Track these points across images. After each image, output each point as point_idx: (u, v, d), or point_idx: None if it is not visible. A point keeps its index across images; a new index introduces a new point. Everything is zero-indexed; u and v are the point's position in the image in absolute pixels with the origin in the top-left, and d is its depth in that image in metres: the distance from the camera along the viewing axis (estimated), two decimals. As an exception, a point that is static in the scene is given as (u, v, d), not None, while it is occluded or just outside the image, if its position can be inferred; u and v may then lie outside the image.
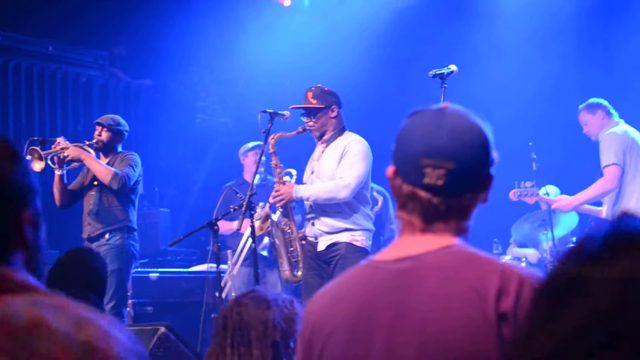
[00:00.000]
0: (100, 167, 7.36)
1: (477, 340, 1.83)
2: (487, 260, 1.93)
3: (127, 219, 7.50)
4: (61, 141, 7.50)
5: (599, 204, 7.87)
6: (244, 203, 6.10)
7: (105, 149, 7.62)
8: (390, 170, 2.00)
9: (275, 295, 3.28)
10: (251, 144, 9.08)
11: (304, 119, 6.52)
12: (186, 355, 5.14)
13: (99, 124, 7.66)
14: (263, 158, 7.75)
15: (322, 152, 6.55)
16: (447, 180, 1.91)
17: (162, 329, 5.08)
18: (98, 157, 7.63)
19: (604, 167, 7.36)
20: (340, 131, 6.54)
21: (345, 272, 2.11)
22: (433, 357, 1.85)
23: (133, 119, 11.84)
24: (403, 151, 1.97)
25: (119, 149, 7.69)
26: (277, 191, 6.51)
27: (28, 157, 7.32)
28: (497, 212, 9.60)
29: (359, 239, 6.43)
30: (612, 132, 7.45)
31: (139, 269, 8.99)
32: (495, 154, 2.00)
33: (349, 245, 6.38)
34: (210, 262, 6.68)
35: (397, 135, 2.01)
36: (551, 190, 8.73)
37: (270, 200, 6.59)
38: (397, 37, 10.71)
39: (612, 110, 7.62)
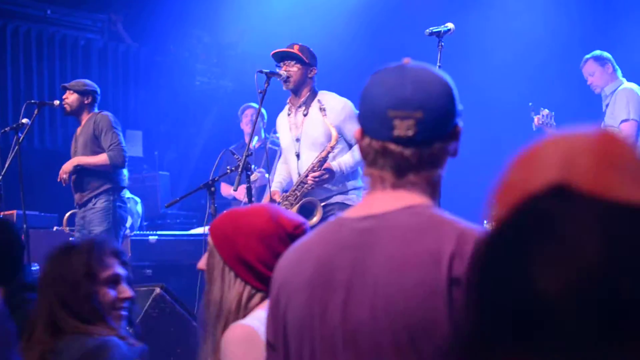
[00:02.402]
0: (95, 161, 7.46)
1: (427, 306, 1.77)
2: (449, 222, 1.87)
3: (110, 181, 7.50)
4: (57, 103, 7.56)
5: None
6: (240, 164, 6.06)
7: (77, 113, 7.63)
8: (357, 131, 1.97)
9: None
10: (243, 106, 9.12)
11: (282, 68, 6.46)
12: (182, 316, 5.12)
13: (64, 87, 7.69)
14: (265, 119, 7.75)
15: (305, 116, 6.50)
16: (417, 130, 1.87)
17: (158, 290, 5.06)
18: (74, 122, 7.71)
19: (623, 121, 7.28)
20: (313, 93, 6.51)
21: (315, 228, 2.08)
22: (383, 320, 1.80)
23: (132, 82, 11.82)
24: (368, 108, 1.93)
25: (95, 110, 7.68)
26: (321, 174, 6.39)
27: (25, 121, 7.32)
28: (496, 174, 9.62)
29: (351, 197, 6.46)
30: (630, 89, 7.38)
31: (138, 232, 8.98)
32: (460, 106, 1.96)
33: (342, 205, 6.40)
34: (208, 224, 6.65)
35: (361, 95, 1.97)
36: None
37: (310, 179, 6.41)
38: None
39: (617, 66, 7.57)
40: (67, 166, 7.47)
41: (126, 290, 3.12)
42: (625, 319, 0.95)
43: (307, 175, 6.38)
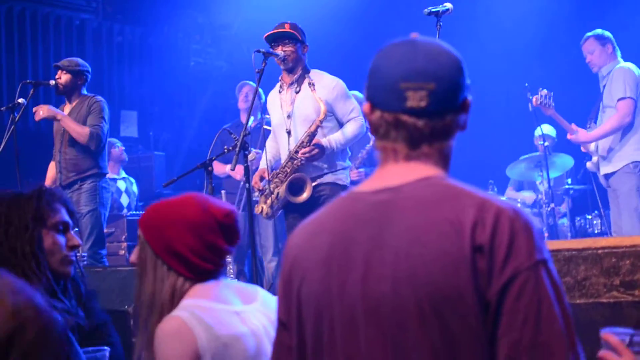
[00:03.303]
0: (77, 128, 7.41)
1: (451, 275, 1.77)
2: (466, 192, 1.87)
3: (97, 166, 7.53)
4: (52, 83, 7.51)
5: None
6: (238, 144, 6.04)
7: (69, 92, 7.60)
8: (366, 106, 1.97)
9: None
10: (240, 84, 9.07)
11: (278, 49, 6.46)
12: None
13: (57, 66, 7.65)
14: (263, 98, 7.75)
15: (297, 93, 6.50)
16: (430, 101, 1.87)
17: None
18: (63, 101, 7.65)
19: (620, 99, 7.23)
20: (305, 71, 6.53)
21: (326, 204, 2.06)
22: (406, 292, 1.80)
23: (127, 63, 11.79)
24: (380, 81, 1.93)
25: (84, 91, 7.67)
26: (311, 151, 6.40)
27: (21, 101, 7.29)
28: (493, 154, 9.65)
29: (341, 176, 6.48)
30: (627, 67, 7.33)
31: (134, 212, 8.97)
32: (468, 80, 1.96)
33: (334, 185, 6.41)
34: (204, 203, 6.64)
35: (369, 69, 1.97)
36: (547, 129, 8.71)
37: (300, 155, 6.40)
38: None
39: (617, 46, 7.54)
40: (50, 111, 7.42)
41: (74, 238, 3.11)
42: None
43: (297, 151, 6.37)
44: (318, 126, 6.33)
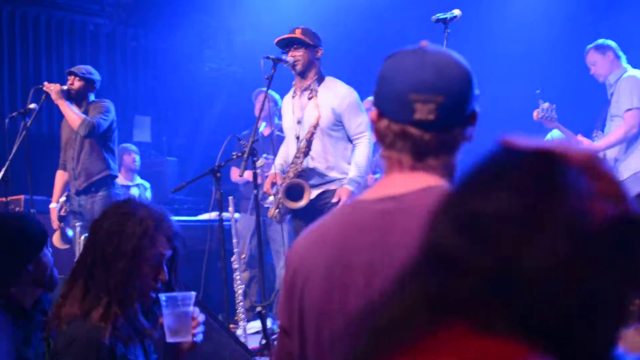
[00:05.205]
0: (72, 114, 7.45)
1: None
2: None
3: (108, 168, 7.57)
4: (64, 88, 7.55)
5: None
6: (246, 150, 6.05)
7: (78, 98, 7.65)
8: (373, 113, 1.96)
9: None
10: (256, 91, 9.07)
11: (288, 54, 6.47)
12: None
13: (71, 72, 7.70)
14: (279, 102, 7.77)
15: (309, 99, 6.48)
16: (438, 115, 1.86)
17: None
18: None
19: (627, 110, 7.20)
20: (320, 77, 6.51)
21: (329, 212, 2.06)
22: None
23: (141, 67, 11.83)
24: (388, 90, 1.91)
25: (91, 97, 7.71)
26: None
27: (32, 106, 7.31)
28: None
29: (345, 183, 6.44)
30: (633, 76, 7.28)
31: (145, 218, 8.98)
32: (477, 91, 1.95)
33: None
34: (214, 210, 6.65)
35: (378, 76, 1.95)
36: (557, 134, 8.66)
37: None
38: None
39: (621, 53, 7.50)
40: (58, 94, 7.43)
41: (162, 273, 3.09)
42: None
43: (297, 156, 6.37)
44: (313, 132, 6.31)
